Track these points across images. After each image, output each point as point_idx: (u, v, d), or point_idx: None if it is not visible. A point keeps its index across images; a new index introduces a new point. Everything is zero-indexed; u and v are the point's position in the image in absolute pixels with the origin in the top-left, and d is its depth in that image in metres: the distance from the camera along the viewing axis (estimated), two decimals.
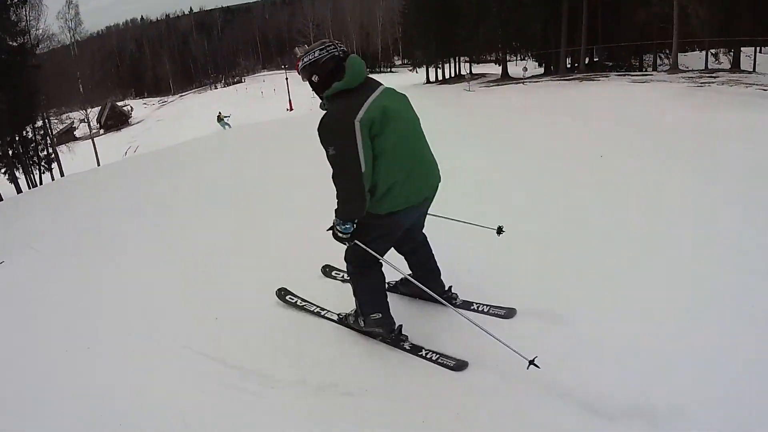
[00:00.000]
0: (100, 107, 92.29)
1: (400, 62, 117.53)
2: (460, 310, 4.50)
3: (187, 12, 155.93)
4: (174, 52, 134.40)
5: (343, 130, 3.90)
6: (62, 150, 45.83)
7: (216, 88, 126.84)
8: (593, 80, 36.84)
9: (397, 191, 4.06)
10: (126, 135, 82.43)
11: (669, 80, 30.79)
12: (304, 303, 5.53)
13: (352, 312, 4.86)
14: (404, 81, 70.22)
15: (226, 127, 45.82)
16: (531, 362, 3.58)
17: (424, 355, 4.48)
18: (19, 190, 37.79)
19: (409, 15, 66.52)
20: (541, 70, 52.73)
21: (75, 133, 78.77)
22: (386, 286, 4.67)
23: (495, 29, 49.49)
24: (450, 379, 4.22)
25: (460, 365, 4.27)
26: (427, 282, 4.56)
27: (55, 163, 44.31)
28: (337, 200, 4.10)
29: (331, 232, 4.35)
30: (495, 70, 58.46)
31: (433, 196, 4.52)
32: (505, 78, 51.26)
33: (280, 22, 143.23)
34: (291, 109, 62.72)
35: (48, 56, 46.62)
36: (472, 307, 5.01)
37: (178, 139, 54.86)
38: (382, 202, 4.09)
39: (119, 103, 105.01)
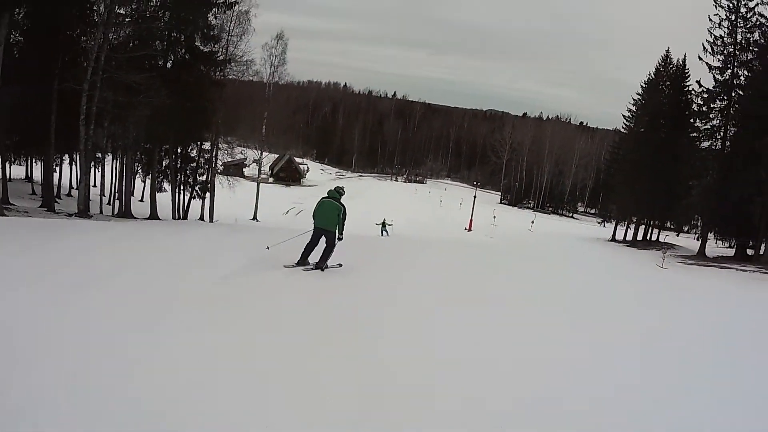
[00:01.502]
0: (277, 156, 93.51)
1: (583, 209, 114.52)
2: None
3: (390, 95, 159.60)
4: (366, 129, 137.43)
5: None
6: (221, 181, 43.18)
7: (397, 180, 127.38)
8: None
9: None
10: (293, 193, 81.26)
11: None
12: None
13: (320, 263, 12.22)
14: (587, 232, 66.40)
15: (385, 233, 40.77)
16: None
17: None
18: (153, 204, 37.30)
19: (618, 161, 62.24)
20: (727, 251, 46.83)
21: (244, 170, 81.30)
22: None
23: (708, 198, 43.82)
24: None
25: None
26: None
27: (209, 194, 41.82)
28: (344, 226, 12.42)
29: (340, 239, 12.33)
30: (686, 243, 54.20)
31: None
32: (702, 256, 44.63)
33: (477, 134, 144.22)
34: (470, 230, 57.37)
35: (238, 83, 45.08)
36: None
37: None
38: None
39: (297, 159, 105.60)
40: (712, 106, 44.82)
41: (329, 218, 12.14)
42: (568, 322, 10.01)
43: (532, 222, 64.05)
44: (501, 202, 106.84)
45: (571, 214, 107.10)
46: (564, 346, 8.15)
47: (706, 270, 34.98)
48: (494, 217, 66.60)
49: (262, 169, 61.29)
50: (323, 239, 12.18)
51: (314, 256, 12.24)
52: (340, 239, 12.25)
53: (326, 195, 12.55)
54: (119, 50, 29.98)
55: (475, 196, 68.23)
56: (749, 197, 37.42)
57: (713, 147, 45.59)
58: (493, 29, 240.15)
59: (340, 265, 12.53)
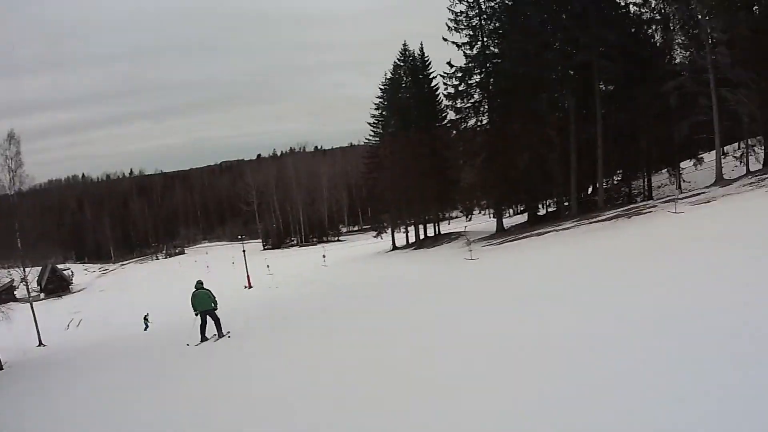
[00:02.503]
0: (40, 267, 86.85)
1: (346, 229, 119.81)
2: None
3: (127, 173, 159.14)
4: (114, 216, 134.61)
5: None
6: None
7: (158, 258, 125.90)
8: (638, 214, 29.53)
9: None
10: (68, 303, 76.94)
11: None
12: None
13: (221, 332, 17.54)
14: (364, 249, 69.78)
15: (148, 325, 42.64)
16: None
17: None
18: None
19: (376, 169, 63.40)
20: (521, 218, 50.97)
21: (15, 293, 70.97)
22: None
23: (488, 170, 45.44)
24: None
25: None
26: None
27: None
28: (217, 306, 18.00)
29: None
30: (473, 226, 56.69)
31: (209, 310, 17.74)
32: (503, 233, 45.04)
33: (220, 188, 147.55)
34: (250, 286, 56.24)
35: None
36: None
37: (119, 317, 52.37)
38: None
39: (60, 266, 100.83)
40: (469, 82, 45.60)
41: (206, 302, 17.78)
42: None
43: (324, 256, 63.07)
44: (264, 248, 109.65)
45: (336, 238, 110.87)
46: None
47: (524, 242, 35.04)
48: (268, 266, 68.23)
49: (33, 286, 55.96)
50: (208, 318, 17.74)
51: (209, 332, 17.75)
52: (215, 310, 17.98)
53: (195, 288, 18.16)
54: None
55: (244, 250, 69.00)
56: (538, 159, 40.63)
57: (479, 124, 46.92)
58: (197, 81, 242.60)
59: (228, 334, 17.81)
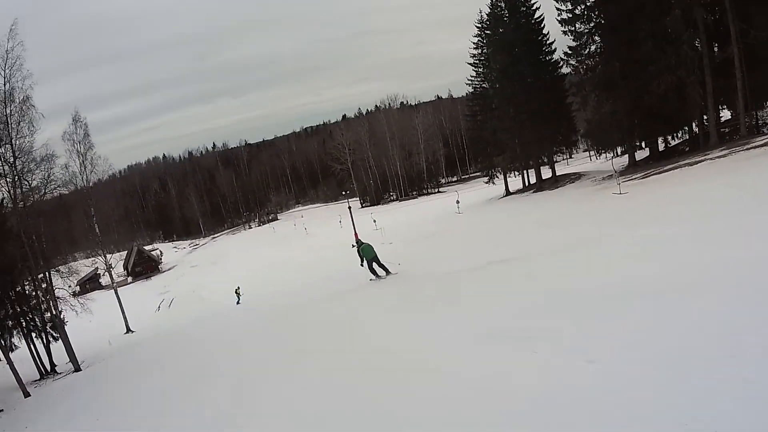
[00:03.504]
0: (126, 252, 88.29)
1: (445, 180, 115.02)
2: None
3: (210, 148, 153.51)
4: (201, 190, 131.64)
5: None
6: (74, 305, 35.27)
7: (250, 227, 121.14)
8: None
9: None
10: (157, 284, 75.23)
11: None
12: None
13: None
14: (474, 197, 63.87)
15: (240, 299, 42.56)
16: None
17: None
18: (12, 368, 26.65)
19: (484, 112, 58.75)
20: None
21: (101, 280, 74.49)
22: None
23: (618, 98, 41.14)
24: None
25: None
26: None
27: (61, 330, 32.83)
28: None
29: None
30: (590, 167, 54.49)
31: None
32: (635, 168, 41.80)
33: (309, 151, 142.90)
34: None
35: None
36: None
37: (215, 290, 51.77)
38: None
39: (147, 248, 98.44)
40: (588, 3, 42.26)
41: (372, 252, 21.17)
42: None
43: (458, 202, 56.57)
44: (363, 206, 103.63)
45: (436, 190, 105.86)
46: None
47: (674, 174, 32.29)
48: (374, 221, 61.87)
49: (119, 270, 55.94)
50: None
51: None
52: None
53: (363, 244, 21.68)
54: None
55: (350, 207, 64.01)
56: (676, 83, 35.85)
57: (600, 49, 43.19)
58: (272, 56, 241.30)
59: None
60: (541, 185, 53.44)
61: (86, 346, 34.67)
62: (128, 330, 44.15)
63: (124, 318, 45.06)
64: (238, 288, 44.43)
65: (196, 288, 58.62)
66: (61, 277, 34.79)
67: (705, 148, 36.36)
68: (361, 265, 21.29)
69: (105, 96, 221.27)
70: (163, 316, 49.70)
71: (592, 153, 75.26)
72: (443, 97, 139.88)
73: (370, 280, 20.74)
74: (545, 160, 54.58)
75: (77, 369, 28.66)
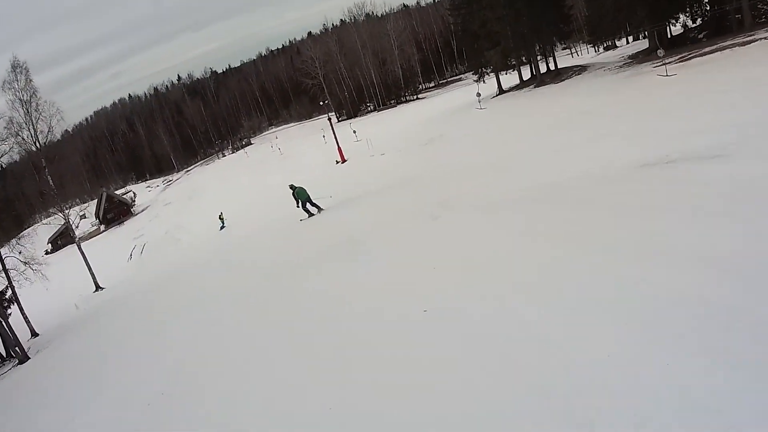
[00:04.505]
0: (95, 200, 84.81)
1: (422, 87, 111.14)
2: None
3: (175, 81, 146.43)
4: (169, 125, 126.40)
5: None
6: (27, 275, 33.55)
7: (224, 155, 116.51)
8: None
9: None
10: (131, 228, 71.79)
11: None
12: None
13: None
14: (462, 99, 59.05)
15: (224, 224, 44.49)
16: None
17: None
18: None
19: (473, 3, 52.53)
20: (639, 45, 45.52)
21: (74, 234, 69.56)
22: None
23: None
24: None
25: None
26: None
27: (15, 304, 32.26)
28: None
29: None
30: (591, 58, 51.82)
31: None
32: (652, 54, 37.07)
33: (278, 71, 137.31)
34: (343, 160, 47.32)
35: None
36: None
37: (191, 229, 50.79)
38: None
39: (119, 191, 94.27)
40: None
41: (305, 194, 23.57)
42: None
43: (479, 95, 49.29)
44: (339, 120, 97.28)
45: (414, 97, 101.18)
46: None
47: (726, 54, 28.40)
48: (354, 131, 58.89)
49: (92, 220, 52.54)
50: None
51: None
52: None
53: (297, 186, 23.99)
54: None
55: (329, 117, 60.00)
56: None
57: None
58: None
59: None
60: (542, 79, 48.79)
61: (52, 313, 33.68)
62: (97, 288, 41.45)
63: (92, 275, 42.25)
64: (222, 214, 45.89)
65: (171, 229, 56.25)
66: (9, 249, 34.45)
67: (739, 30, 32.73)
68: (297, 206, 23.64)
69: (66, 53, 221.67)
70: (135, 266, 47.98)
71: (590, 46, 70.22)
72: (410, 5, 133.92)
73: (301, 220, 23.07)
74: (544, 52, 50.40)
75: (22, 360, 24.35)
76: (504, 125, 32.02)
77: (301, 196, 23.14)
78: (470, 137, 32.46)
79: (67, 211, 43.83)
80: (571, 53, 54.78)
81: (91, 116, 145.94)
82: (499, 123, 34.12)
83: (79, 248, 43.31)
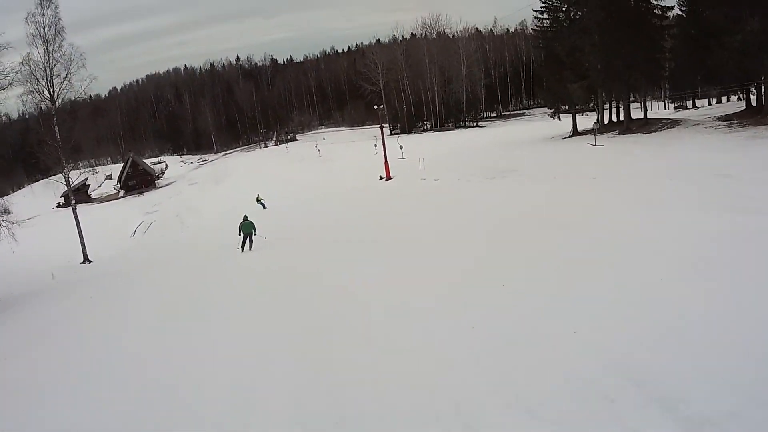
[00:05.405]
0: (121, 164, 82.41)
1: (483, 115, 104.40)
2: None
3: (233, 61, 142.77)
4: (217, 103, 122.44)
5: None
6: None
7: (266, 146, 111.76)
8: None
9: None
10: (148, 200, 68.31)
11: None
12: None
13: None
14: (529, 133, 56.26)
15: (264, 205, 44.24)
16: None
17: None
18: None
19: (558, 38, 48.82)
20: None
21: (92, 192, 70.73)
22: None
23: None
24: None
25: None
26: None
27: None
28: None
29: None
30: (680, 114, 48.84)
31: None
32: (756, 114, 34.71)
33: (338, 71, 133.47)
34: (388, 178, 43.47)
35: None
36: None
37: (206, 214, 49.02)
38: None
39: (152, 160, 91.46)
40: None
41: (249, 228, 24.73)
42: None
43: (597, 123, 46.84)
44: (392, 133, 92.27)
45: (474, 124, 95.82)
46: None
47: None
48: (401, 147, 55.36)
49: (113, 184, 57.32)
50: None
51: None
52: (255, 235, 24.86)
53: (243, 221, 24.88)
54: None
55: (382, 126, 54.93)
56: None
57: None
58: None
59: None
60: (628, 126, 44.39)
61: (26, 276, 30.66)
62: (85, 259, 38.03)
63: (83, 245, 38.82)
64: (259, 195, 45.76)
65: (184, 210, 53.38)
66: None
67: None
68: (239, 234, 24.69)
69: (135, 11, 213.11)
70: (135, 243, 44.89)
71: (661, 101, 66.63)
72: (483, 31, 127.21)
73: (237, 248, 24.52)
74: (633, 95, 46.68)
75: None
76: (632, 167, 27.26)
77: (245, 229, 24.58)
78: (573, 175, 27.77)
79: (99, 169, 40.39)
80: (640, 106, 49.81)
81: (142, 79, 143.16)
82: (620, 162, 29.59)
83: (74, 212, 39.40)
